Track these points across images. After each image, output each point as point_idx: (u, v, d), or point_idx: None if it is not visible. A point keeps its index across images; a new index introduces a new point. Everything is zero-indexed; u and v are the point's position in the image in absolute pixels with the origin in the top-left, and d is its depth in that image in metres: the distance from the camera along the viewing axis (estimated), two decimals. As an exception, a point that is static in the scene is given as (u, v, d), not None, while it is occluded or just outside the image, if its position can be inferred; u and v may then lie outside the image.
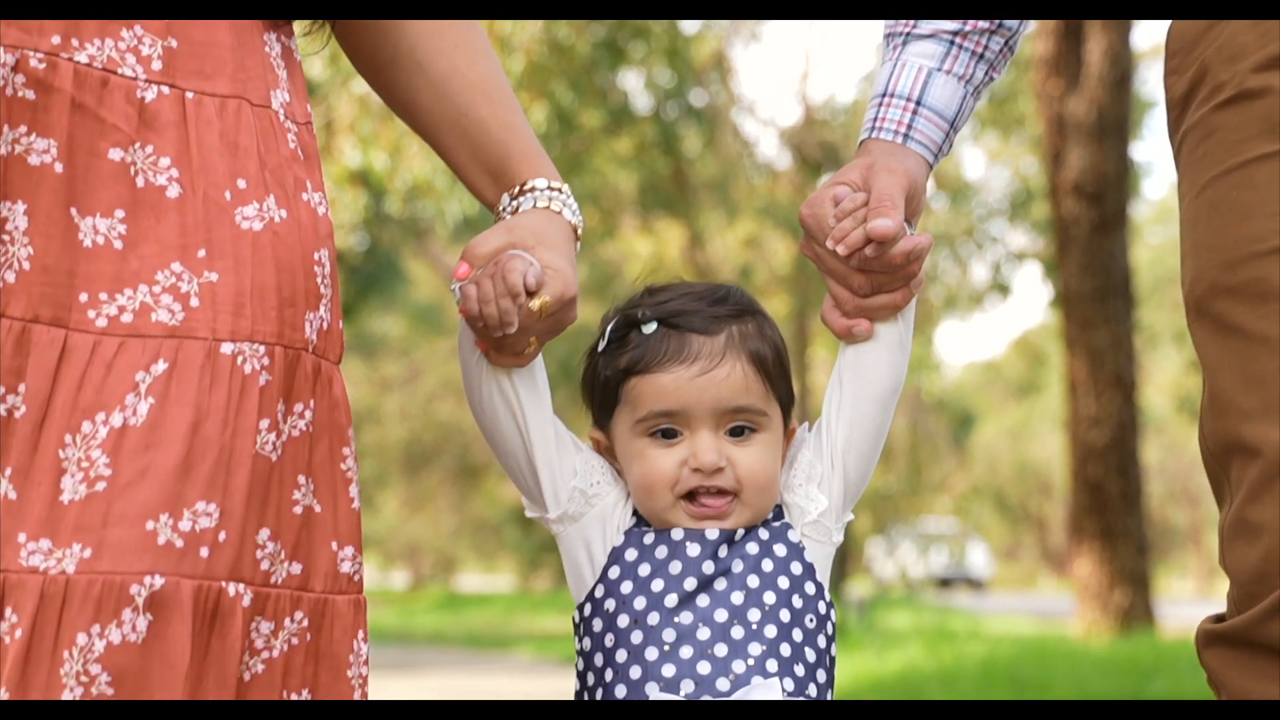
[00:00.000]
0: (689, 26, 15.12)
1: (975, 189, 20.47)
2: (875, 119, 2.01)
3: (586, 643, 1.80)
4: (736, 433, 1.82)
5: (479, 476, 28.45)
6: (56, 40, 1.56)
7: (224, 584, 1.56)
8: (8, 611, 1.48)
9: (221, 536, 1.55)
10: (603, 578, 1.81)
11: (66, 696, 1.48)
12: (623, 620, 1.78)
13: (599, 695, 1.78)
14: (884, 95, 2.01)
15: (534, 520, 1.91)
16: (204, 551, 1.53)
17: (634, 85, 15.05)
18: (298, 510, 1.63)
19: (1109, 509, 12.63)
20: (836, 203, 1.90)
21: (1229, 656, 1.83)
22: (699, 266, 18.49)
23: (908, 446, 22.21)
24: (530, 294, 1.75)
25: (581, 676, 1.81)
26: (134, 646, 1.50)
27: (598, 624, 1.79)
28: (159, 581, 1.51)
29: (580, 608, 1.82)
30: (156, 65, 1.61)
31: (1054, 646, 11.27)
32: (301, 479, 1.64)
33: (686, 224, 18.76)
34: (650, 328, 1.83)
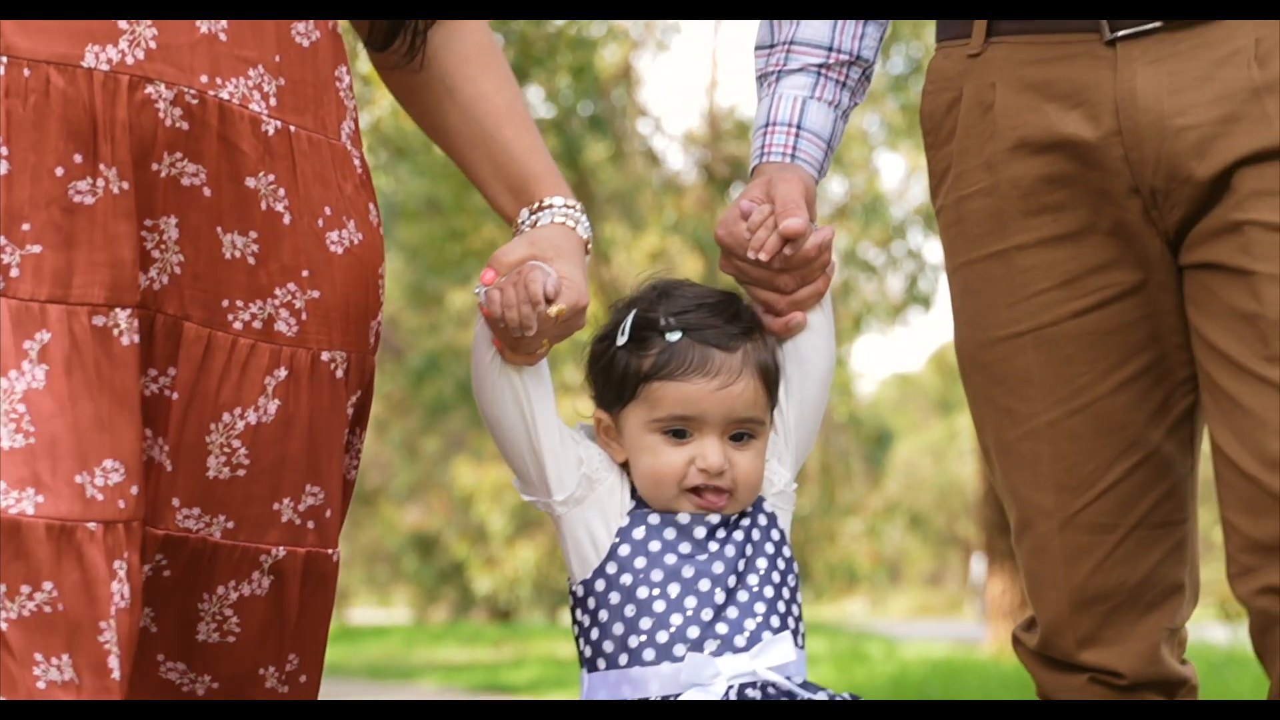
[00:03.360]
0: (595, 33, 15.40)
1: (889, 199, 20.92)
2: (763, 146, 2.35)
3: (603, 614, 2.14)
4: (737, 438, 2.17)
5: (373, 503, 28.32)
6: (204, 79, 1.89)
7: (329, 551, 2.03)
8: (159, 558, 1.91)
9: (327, 514, 2.01)
10: (613, 555, 2.15)
11: (201, 629, 1.96)
12: (642, 591, 2.12)
13: (624, 660, 2.13)
14: (767, 125, 2.36)
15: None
16: (311, 525, 1.99)
17: (535, 96, 15.41)
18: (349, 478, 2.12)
19: (1019, 527, 12.98)
20: (746, 217, 2.23)
21: (1029, 657, 2.41)
22: (604, 281, 18.78)
23: (820, 468, 22.46)
24: (548, 302, 2.06)
25: (595, 644, 2.15)
26: (259, 599, 1.97)
27: (614, 596, 2.13)
28: (281, 552, 1.98)
29: (586, 583, 2.16)
30: (273, 102, 1.95)
31: (964, 666, 11.81)
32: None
33: (591, 238, 19.01)
34: (675, 336, 2.16)
